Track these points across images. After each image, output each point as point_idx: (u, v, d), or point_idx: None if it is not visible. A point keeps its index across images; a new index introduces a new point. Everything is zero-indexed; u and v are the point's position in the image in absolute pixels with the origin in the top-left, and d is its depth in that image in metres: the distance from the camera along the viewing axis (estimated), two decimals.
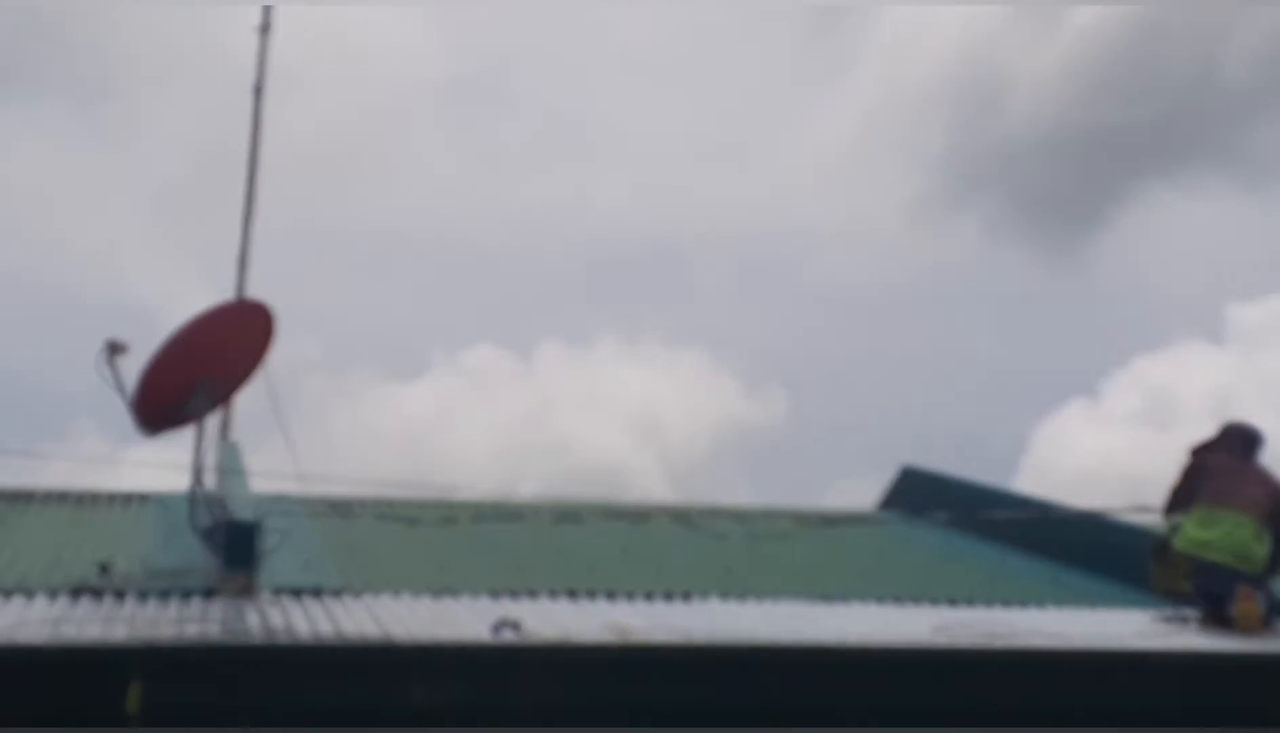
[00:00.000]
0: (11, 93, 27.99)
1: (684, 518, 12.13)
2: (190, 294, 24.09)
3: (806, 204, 30.18)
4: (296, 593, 8.52)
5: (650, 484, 24.71)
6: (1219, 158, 28.99)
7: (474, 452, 25.94)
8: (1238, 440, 9.30)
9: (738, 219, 29.39)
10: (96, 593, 8.28)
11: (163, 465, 9.97)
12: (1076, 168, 28.94)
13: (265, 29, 13.99)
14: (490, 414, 27.63)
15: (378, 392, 27.64)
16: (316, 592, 8.58)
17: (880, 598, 9.50)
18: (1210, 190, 30.81)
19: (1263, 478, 9.09)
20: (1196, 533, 8.87)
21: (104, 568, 8.93)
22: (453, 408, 27.92)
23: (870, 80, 30.24)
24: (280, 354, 9.68)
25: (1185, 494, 9.16)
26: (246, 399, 10.42)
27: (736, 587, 9.62)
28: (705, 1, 30.48)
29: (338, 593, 8.60)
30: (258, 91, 14.04)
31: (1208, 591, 8.80)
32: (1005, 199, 30.43)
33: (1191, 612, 8.94)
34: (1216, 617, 8.71)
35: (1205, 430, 9.41)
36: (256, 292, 13.81)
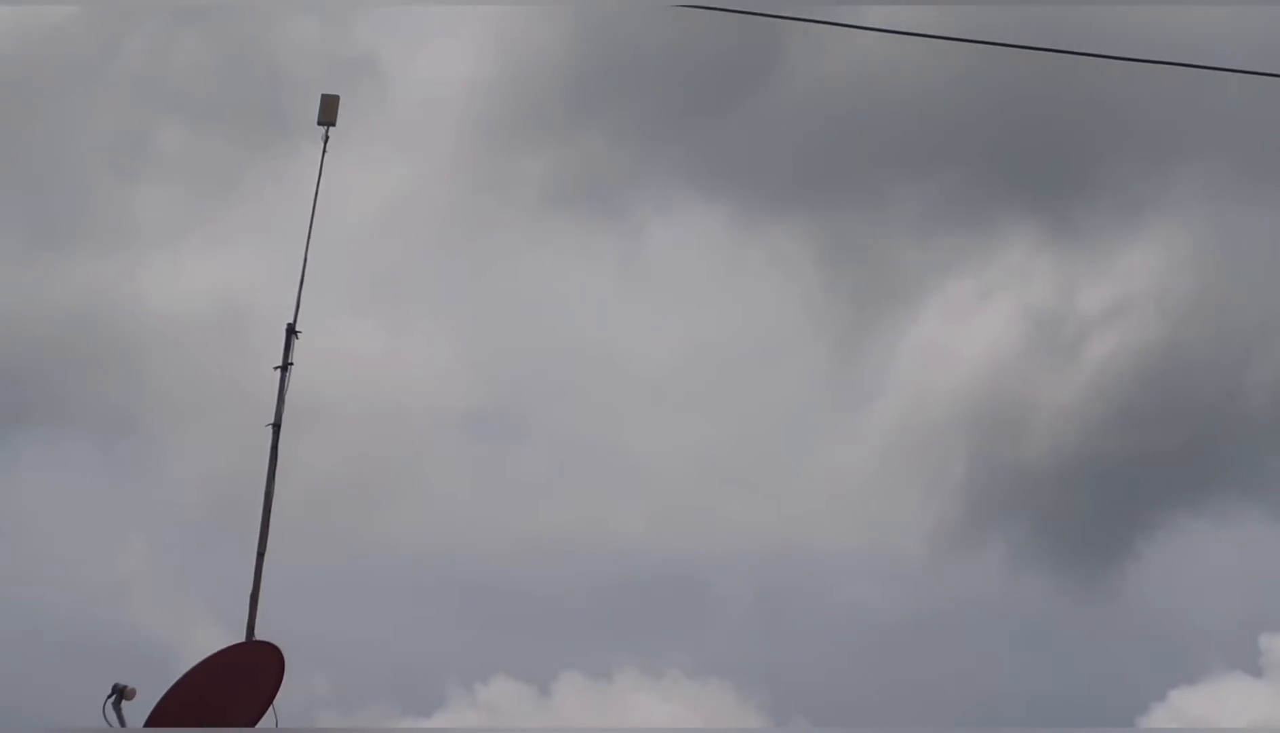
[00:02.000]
0: (39, 428, 28.36)
1: None
2: (203, 632, 23.84)
3: (829, 531, 30.07)
4: None
5: None
6: (1245, 486, 28.97)
7: None
8: None
9: (758, 546, 29.24)
10: None
11: None
12: (1100, 496, 28.94)
13: (284, 367, 14.25)
14: None
15: (392, 728, 27.07)
16: None
17: None
18: (1237, 518, 30.65)
19: None
20: None
21: None
22: None
23: (890, 409, 30.53)
24: (291, 692, 9.49)
25: None
26: None
27: None
28: (723, 333, 31.15)
29: None
30: (276, 428, 14.19)
31: None
32: (1030, 527, 30.31)
33: None
34: None
35: None
36: (268, 626, 13.72)
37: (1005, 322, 29.37)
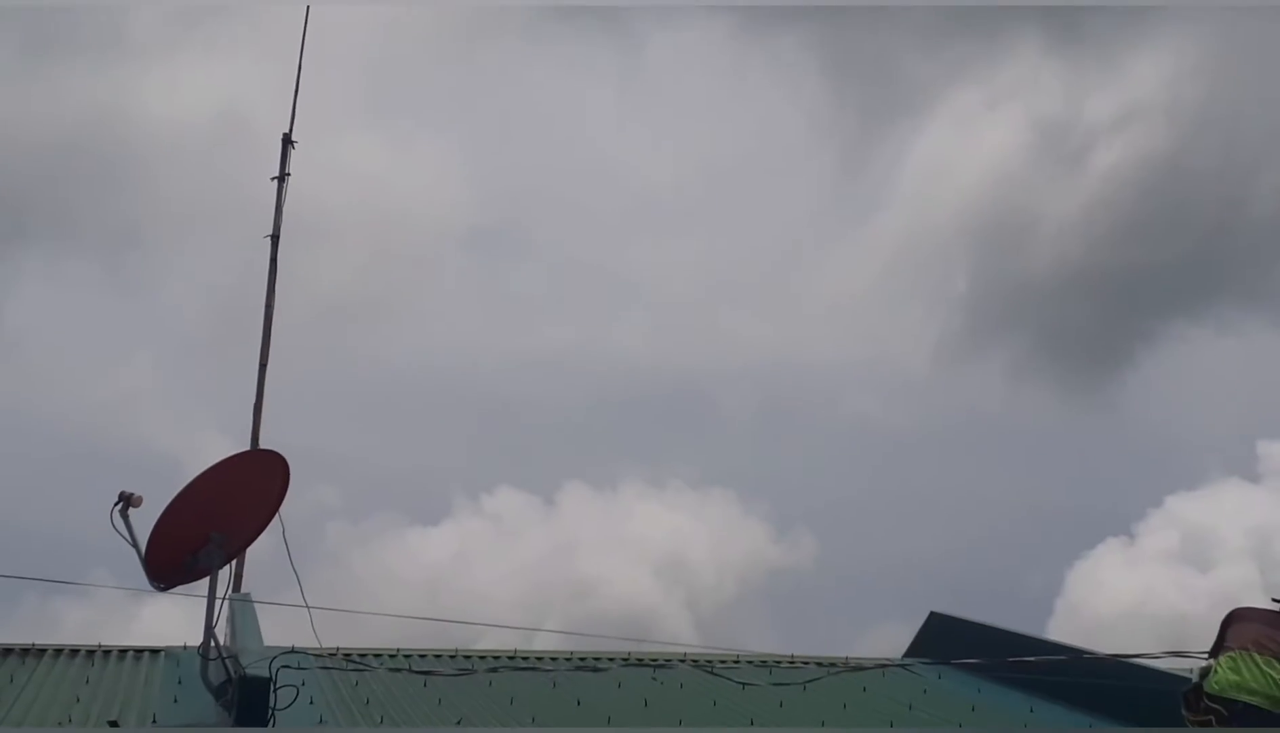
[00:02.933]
0: (44, 240, 28.32)
1: (706, 666, 11.90)
2: (209, 443, 24.10)
3: (832, 344, 30.21)
4: None
5: (676, 628, 24.43)
6: (1245, 294, 29.01)
7: (496, 596, 25.70)
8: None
9: (762, 359, 29.41)
10: None
11: (175, 615, 9.85)
12: (1102, 307, 29.00)
13: (281, 178, 14.16)
14: (512, 558, 27.42)
15: (398, 537, 27.48)
16: None
17: None
18: (1238, 327, 30.76)
19: None
20: (1229, 676, 8.69)
21: (114, 726, 8.79)
22: (474, 552, 27.72)
23: (895, 222, 30.43)
24: (297, 501, 9.59)
25: (1218, 643, 9.02)
26: (262, 548, 10.33)
27: None
28: (726, 147, 30.87)
29: None
30: (274, 239, 14.17)
31: None
32: (1031, 339, 30.45)
33: None
34: None
35: (1244, 569, 9.27)
36: (274, 439, 13.82)
37: (1011, 132, 29.10)
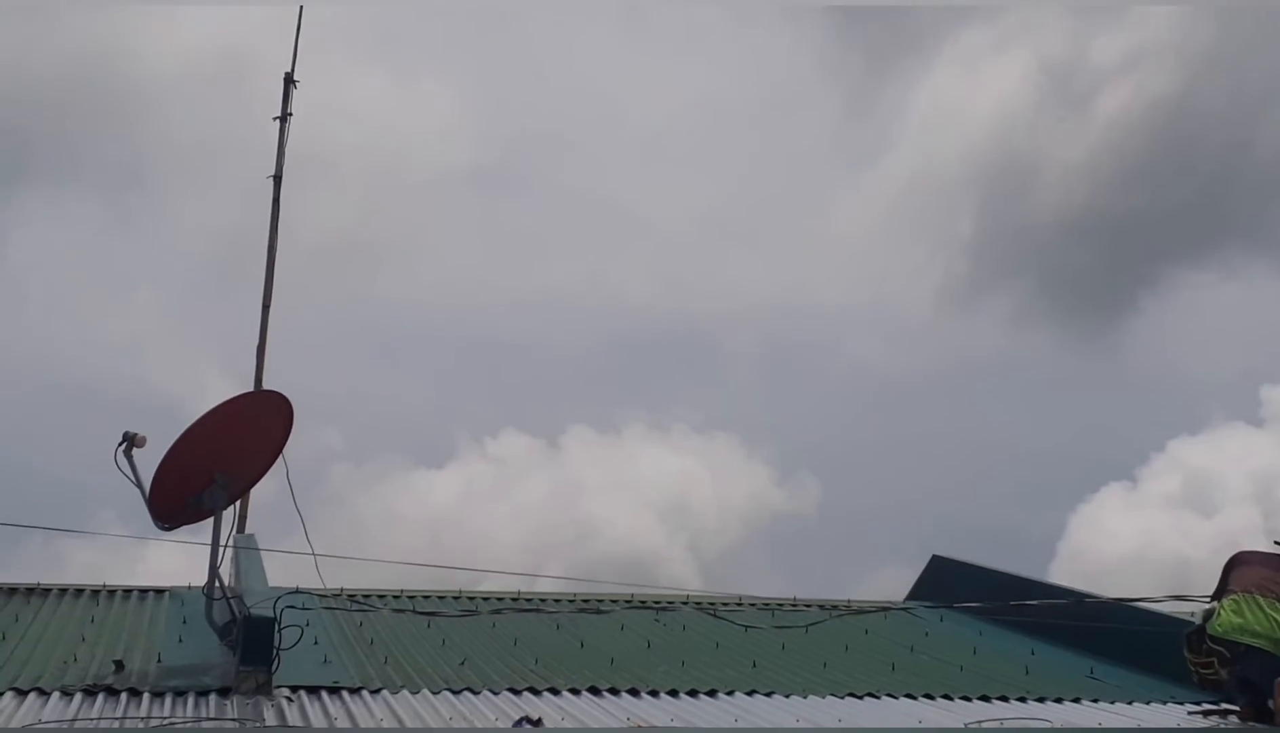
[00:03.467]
0: (44, 179, 28.21)
1: (709, 609, 11.94)
2: (212, 384, 24.12)
3: (835, 288, 30.15)
4: (314, 690, 8.39)
5: (679, 571, 24.50)
6: (1250, 239, 28.94)
7: (499, 539, 25.79)
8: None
9: (766, 302, 29.37)
10: (111, 691, 8.15)
11: (179, 558, 9.87)
12: (1106, 252, 28.93)
13: (284, 118, 14.11)
14: (516, 501, 27.48)
15: (402, 479, 27.53)
16: (334, 688, 8.45)
17: (910, 691, 9.31)
18: (1242, 271, 30.70)
19: None
20: (1231, 618, 8.71)
21: (119, 665, 8.82)
22: (478, 495, 27.78)
23: (900, 165, 30.30)
24: (301, 443, 9.61)
25: (1221, 586, 9.04)
26: (266, 489, 10.35)
27: (763, 681, 9.45)
28: (730, 87, 30.70)
29: (356, 689, 8.46)
30: (277, 180, 14.14)
31: (1246, 679, 8.62)
32: (1035, 284, 30.39)
33: (1231, 706, 8.74)
34: (1256, 710, 8.51)
35: (1246, 513, 9.31)
36: (277, 380, 13.84)
37: (1018, 74, 28.93)
